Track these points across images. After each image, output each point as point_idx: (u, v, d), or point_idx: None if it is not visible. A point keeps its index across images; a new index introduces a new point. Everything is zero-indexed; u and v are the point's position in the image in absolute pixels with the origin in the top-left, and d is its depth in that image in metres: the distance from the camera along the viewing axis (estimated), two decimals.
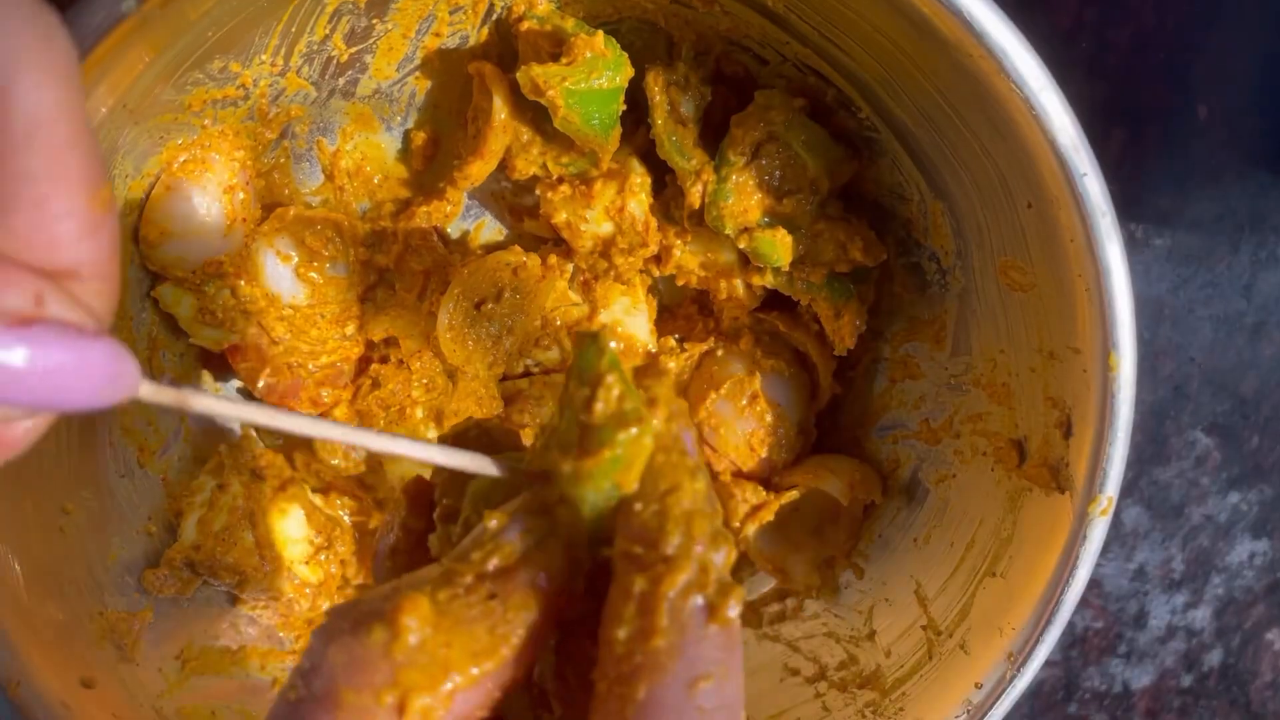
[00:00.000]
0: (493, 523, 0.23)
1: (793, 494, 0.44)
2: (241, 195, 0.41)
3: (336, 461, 0.44)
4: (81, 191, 0.20)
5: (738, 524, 0.44)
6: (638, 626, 0.21)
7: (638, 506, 0.23)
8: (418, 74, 0.43)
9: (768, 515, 0.44)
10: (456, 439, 0.28)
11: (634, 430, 0.23)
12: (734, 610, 0.22)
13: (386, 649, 0.21)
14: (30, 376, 0.19)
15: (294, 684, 0.21)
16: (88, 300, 0.20)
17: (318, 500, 0.45)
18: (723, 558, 0.22)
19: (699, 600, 0.22)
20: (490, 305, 0.44)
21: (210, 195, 0.41)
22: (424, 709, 0.21)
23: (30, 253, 0.19)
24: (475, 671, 0.21)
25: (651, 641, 0.21)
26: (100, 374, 0.20)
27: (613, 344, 0.24)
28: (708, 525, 0.22)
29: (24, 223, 0.19)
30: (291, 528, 0.44)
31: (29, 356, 0.19)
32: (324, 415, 0.45)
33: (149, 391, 0.21)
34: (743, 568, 0.48)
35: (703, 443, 0.45)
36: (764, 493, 0.45)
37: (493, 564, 0.22)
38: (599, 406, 0.23)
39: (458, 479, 0.26)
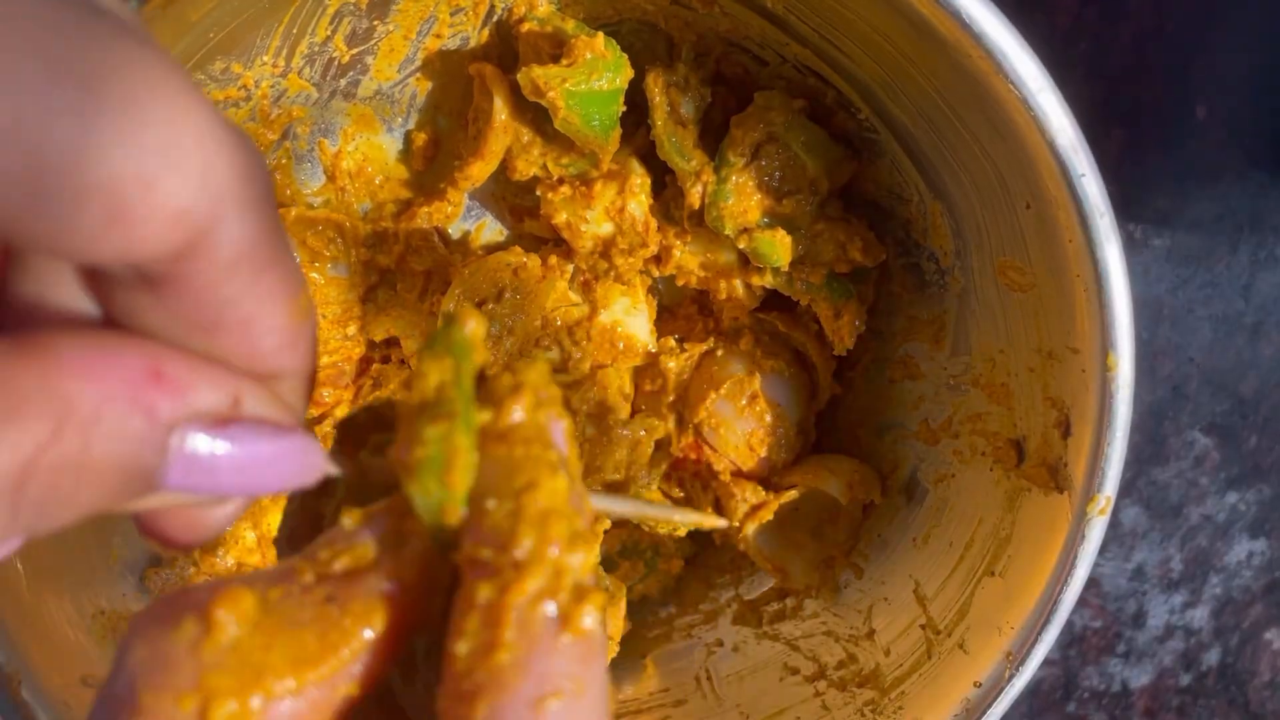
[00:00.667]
0: (347, 521, 0.22)
1: (792, 494, 0.44)
2: None
3: None
4: (281, 308, 0.20)
5: (737, 523, 0.44)
6: (481, 640, 0.19)
7: (490, 504, 0.20)
8: (419, 75, 0.43)
9: (767, 515, 0.44)
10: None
11: (441, 426, 0.20)
12: (589, 619, 0.19)
13: (194, 647, 0.19)
14: (226, 470, 0.20)
15: (106, 679, 0.20)
16: (285, 395, 0.22)
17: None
18: (580, 560, 0.20)
19: (550, 608, 0.19)
20: (491, 305, 0.44)
21: None
22: (230, 717, 0.19)
23: (237, 364, 0.20)
24: (290, 683, 0.19)
25: (494, 657, 0.19)
26: (292, 465, 0.21)
27: (470, 326, 0.21)
28: (565, 526, 0.20)
29: (230, 341, 0.20)
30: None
31: (226, 453, 0.20)
32: (325, 415, 0.45)
33: (333, 469, 0.22)
34: (743, 567, 0.48)
35: (701, 442, 0.45)
36: (764, 492, 0.45)
37: (340, 565, 0.21)
38: (414, 395, 0.21)
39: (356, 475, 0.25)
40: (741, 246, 0.42)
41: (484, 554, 0.20)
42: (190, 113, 0.18)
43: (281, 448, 0.21)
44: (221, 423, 0.20)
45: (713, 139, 0.42)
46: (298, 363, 0.21)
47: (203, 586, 0.20)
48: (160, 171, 0.17)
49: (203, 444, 0.19)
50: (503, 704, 0.19)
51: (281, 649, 0.19)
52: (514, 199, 0.46)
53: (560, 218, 0.43)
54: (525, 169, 0.43)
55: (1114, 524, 0.52)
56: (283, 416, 0.21)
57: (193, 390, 0.19)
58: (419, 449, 0.20)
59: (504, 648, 0.19)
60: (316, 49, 0.40)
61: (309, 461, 0.21)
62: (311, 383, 0.23)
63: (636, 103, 0.41)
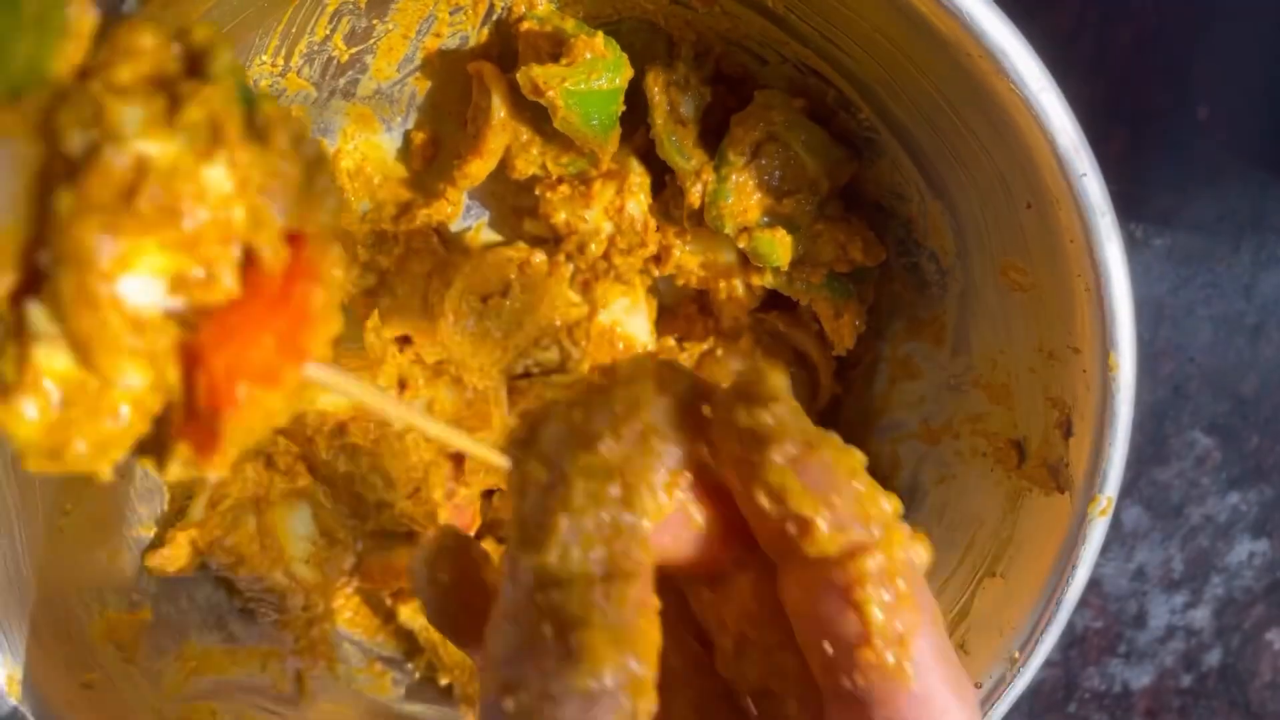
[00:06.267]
0: None
1: None
2: None
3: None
4: None
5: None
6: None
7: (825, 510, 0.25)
8: (418, 74, 0.43)
9: None
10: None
11: None
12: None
13: None
14: None
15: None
16: None
17: (327, 502, 0.45)
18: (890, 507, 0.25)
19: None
20: (497, 299, 0.44)
21: None
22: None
23: None
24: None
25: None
26: None
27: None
28: (872, 498, 0.25)
29: None
30: (297, 524, 0.44)
31: None
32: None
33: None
34: None
35: None
36: None
37: None
38: None
39: None
40: (741, 246, 0.42)
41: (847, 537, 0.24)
42: None
43: None
44: None
45: (713, 138, 0.42)
46: None
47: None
48: None
49: None
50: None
51: None
52: (513, 198, 0.46)
53: (559, 217, 0.43)
54: (524, 168, 0.43)
55: (1114, 524, 0.52)
56: None
57: None
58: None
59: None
60: (315, 48, 0.40)
61: None
62: None
63: (636, 102, 0.41)
